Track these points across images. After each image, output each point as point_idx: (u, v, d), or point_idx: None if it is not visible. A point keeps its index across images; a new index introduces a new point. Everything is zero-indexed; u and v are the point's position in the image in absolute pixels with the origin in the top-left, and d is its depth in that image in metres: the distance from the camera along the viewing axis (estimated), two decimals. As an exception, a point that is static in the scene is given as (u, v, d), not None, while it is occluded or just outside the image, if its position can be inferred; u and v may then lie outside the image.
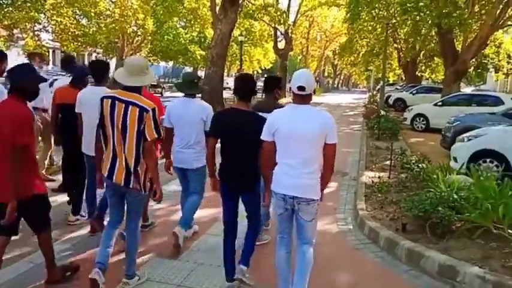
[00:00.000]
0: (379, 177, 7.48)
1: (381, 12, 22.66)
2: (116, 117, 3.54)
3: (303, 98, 3.37)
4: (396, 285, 4.14)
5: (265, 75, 6.68)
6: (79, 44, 28.05)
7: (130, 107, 3.51)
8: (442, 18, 16.22)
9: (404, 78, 38.89)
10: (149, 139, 3.54)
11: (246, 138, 3.64)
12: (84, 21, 28.68)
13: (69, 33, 26.20)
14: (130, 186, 3.60)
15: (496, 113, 11.81)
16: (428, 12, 17.42)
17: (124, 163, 3.57)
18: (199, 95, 4.88)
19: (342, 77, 70.89)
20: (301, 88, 3.32)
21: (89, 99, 4.56)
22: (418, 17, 20.04)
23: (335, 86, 74.40)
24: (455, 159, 8.11)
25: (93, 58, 51.50)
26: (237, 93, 3.91)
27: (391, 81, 46.39)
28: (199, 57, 38.85)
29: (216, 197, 4.10)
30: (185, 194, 4.85)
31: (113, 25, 26.92)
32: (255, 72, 54.26)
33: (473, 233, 4.67)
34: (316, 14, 41.92)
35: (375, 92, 37.30)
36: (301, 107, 3.38)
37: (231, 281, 3.82)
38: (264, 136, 3.43)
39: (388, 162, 8.18)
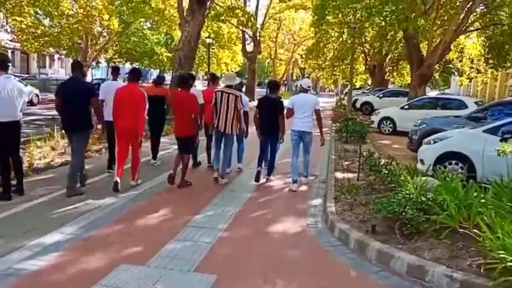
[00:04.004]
0: (348, 179, 7.53)
1: (347, 18, 22.87)
2: (223, 100, 7.46)
3: (307, 90, 7.80)
4: (367, 286, 4.14)
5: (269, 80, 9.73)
6: (40, 44, 27.19)
7: (230, 95, 7.46)
8: (408, 22, 16.50)
9: (371, 82, 39.41)
10: (239, 109, 7.53)
11: (273, 111, 7.54)
12: (46, 22, 27.80)
13: (30, 33, 25.36)
14: (233, 133, 7.62)
15: (460, 116, 12.05)
16: (394, 16, 17.70)
17: (229, 123, 7.49)
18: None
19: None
20: (309, 87, 7.84)
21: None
22: (383, 23, 20.33)
23: (303, 89, 74.25)
24: (422, 162, 8.23)
25: (56, 59, 50.00)
26: (270, 89, 7.95)
27: (357, 86, 47.03)
28: (165, 59, 38.33)
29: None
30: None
31: (77, 25, 26.13)
32: (222, 75, 53.71)
33: (441, 233, 4.73)
34: (283, 17, 41.97)
35: (342, 96, 37.68)
36: (305, 94, 7.76)
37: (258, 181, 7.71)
38: (288, 106, 7.64)
39: (356, 165, 8.25)
